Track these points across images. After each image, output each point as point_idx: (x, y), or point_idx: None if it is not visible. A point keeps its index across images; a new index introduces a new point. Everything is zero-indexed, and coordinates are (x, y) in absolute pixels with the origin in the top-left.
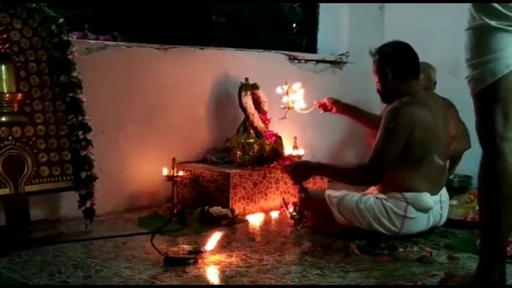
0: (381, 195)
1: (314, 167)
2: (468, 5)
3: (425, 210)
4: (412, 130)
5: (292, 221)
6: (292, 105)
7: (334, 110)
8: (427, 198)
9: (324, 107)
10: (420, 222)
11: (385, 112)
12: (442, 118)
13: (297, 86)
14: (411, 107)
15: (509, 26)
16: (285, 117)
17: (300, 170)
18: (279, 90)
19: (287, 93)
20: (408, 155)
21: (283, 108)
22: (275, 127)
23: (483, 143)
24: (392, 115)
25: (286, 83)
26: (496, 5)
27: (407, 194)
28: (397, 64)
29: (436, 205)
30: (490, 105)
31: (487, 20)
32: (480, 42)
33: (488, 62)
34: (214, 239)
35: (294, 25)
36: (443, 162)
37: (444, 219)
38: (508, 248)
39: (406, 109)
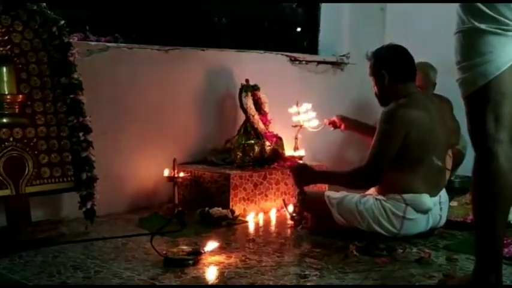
0: (380, 197)
1: (315, 175)
2: (457, 9)
3: (425, 211)
4: (408, 131)
5: (292, 222)
6: (303, 124)
7: (343, 127)
8: (426, 199)
9: (333, 124)
10: (419, 224)
11: (380, 114)
12: (439, 119)
13: (308, 106)
14: (406, 108)
15: (498, 28)
16: (296, 137)
17: (301, 175)
18: (290, 110)
19: (298, 113)
20: (406, 156)
21: (295, 126)
22: (276, 128)
23: (475, 145)
24: (388, 117)
25: (297, 104)
26: (484, 8)
27: (407, 196)
28: (393, 66)
29: (436, 206)
30: (481, 108)
31: (476, 23)
32: (470, 45)
33: (478, 65)
34: (212, 245)
35: (295, 26)
36: (442, 163)
37: (444, 220)
38: (506, 250)
39: (401, 110)
